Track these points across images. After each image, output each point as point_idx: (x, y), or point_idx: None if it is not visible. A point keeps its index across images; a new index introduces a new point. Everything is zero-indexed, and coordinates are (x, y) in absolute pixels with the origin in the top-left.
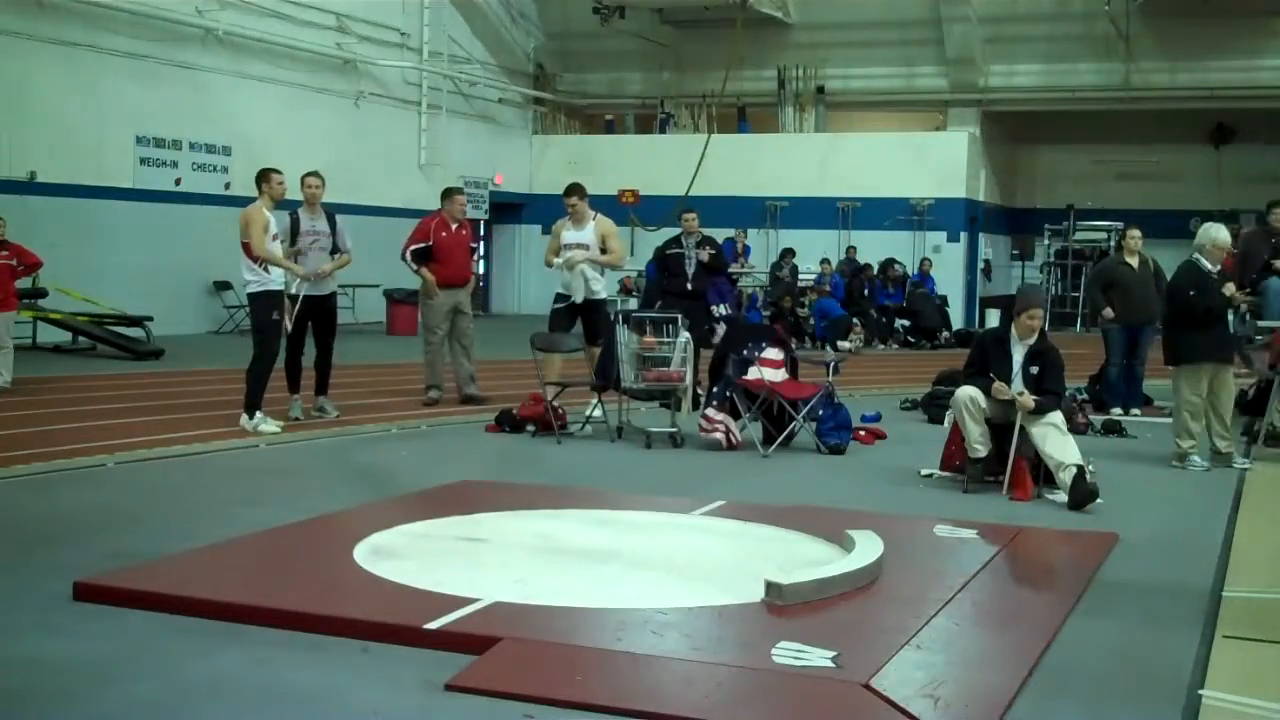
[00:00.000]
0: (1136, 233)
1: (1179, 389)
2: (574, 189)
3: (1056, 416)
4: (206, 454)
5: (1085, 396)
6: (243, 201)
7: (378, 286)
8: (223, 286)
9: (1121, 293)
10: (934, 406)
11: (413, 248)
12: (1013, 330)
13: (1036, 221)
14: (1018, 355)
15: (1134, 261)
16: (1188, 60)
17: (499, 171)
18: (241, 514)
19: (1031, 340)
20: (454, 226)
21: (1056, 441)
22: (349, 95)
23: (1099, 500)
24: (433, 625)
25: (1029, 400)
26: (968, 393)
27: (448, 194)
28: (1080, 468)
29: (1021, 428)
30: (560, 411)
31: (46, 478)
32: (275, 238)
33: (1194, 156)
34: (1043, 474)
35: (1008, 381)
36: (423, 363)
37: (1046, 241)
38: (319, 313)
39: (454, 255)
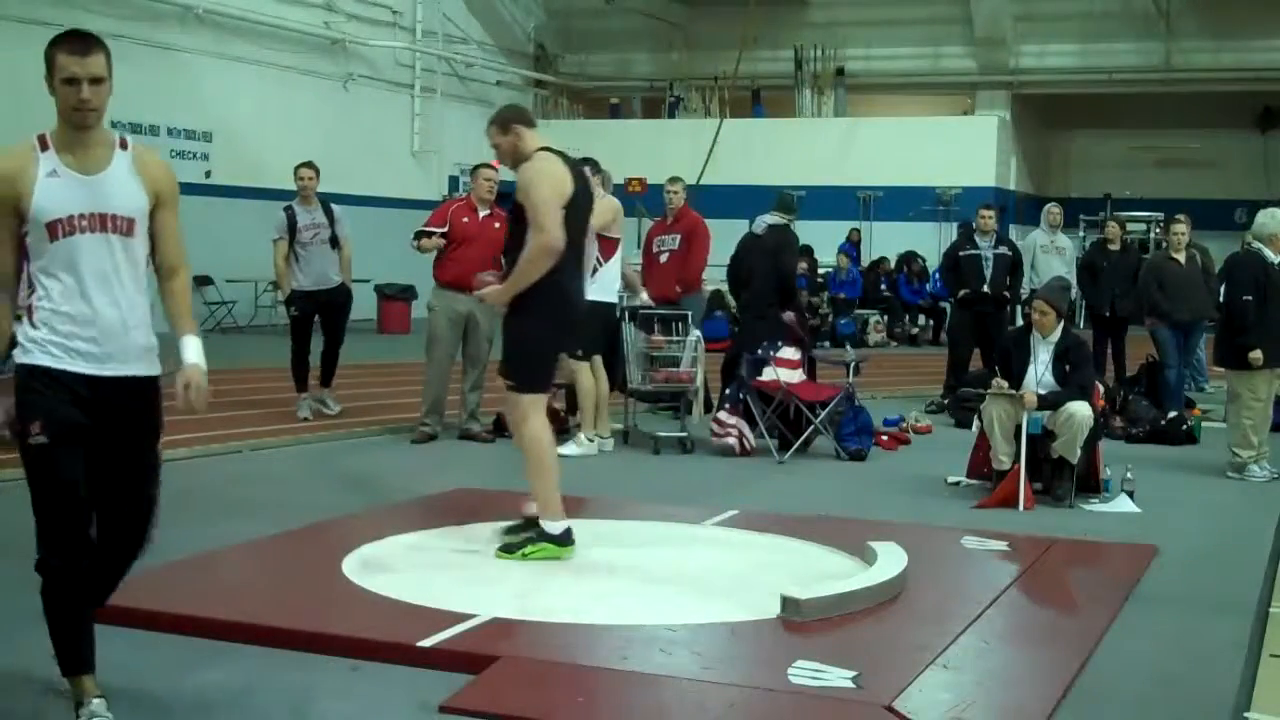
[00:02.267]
0: (1180, 227)
1: (1240, 394)
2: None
3: (1076, 413)
4: (186, 460)
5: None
6: (224, 191)
7: (369, 282)
8: (203, 282)
9: (1169, 290)
10: (961, 409)
11: (420, 228)
12: (1034, 328)
13: (1071, 212)
14: (1042, 353)
15: (1181, 257)
16: (1233, 39)
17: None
18: (223, 524)
19: (1055, 337)
20: (481, 213)
21: (1063, 440)
22: (337, 78)
23: (1138, 510)
24: (426, 642)
25: (1032, 397)
26: (994, 409)
27: (475, 170)
28: (1072, 467)
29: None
30: (561, 415)
31: (13, 485)
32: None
33: (1239, 142)
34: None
35: (1028, 379)
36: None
37: (1081, 234)
38: (325, 309)
39: (474, 250)
